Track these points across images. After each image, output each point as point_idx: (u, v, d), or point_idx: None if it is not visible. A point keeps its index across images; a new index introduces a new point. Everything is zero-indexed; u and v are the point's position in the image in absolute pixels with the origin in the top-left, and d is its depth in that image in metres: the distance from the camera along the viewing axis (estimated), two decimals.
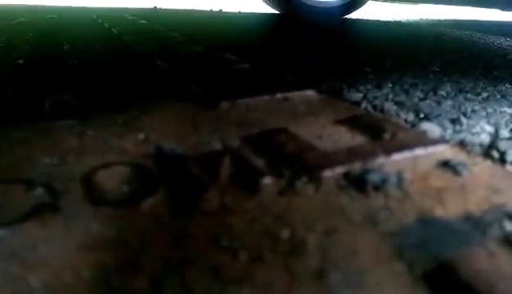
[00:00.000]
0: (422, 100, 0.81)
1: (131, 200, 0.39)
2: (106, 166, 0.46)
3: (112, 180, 0.43)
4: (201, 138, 0.56)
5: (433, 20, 3.16)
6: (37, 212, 0.36)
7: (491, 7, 2.42)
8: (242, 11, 2.68)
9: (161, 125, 0.60)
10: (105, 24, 1.79)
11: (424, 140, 0.54)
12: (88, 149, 0.51)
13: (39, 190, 0.41)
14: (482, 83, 0.98)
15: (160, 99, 0.73)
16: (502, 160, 0.53)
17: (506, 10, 2.34)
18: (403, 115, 0.71)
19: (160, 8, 2.57)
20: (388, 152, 0.49)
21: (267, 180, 0.43)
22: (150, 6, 2.73)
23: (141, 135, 0.56)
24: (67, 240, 0.33)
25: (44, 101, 0.68)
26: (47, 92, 0.74)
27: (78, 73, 0.90)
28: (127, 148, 0.52)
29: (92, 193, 0.40)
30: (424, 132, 0.62)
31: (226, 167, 0.46)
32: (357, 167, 0.47)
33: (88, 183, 0.42)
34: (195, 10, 2.65)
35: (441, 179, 0.45)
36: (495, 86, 0.96)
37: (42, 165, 0.47)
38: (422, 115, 0.71)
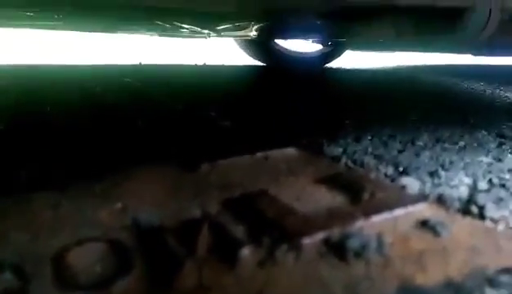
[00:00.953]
0: (400, 152, 0.82)
1: (103, 282, 0.37)
2: (79, 243, 0.44)
3: (84, 259, 0.41)
4: (180, 204, 0.55)
5: (410, 66, 3.29)
6: None
7: (463, 53, 2.55)
8: (226, 64, 2.76)
9: (140, 192, 0.59)
10: (89, 83, 1.81)
11: (403, 199, 0.54)
12: (63, 224, 0.50)
13: (7, 274, 0.39)
14: (459, 131, 1.01)
15: (140, 163, 0.72)
16: (481, 215, 0.53)
17: (478, 55, 2.47)
18: (383, 169, 0.72)
19: (145, 64, 2.63)
20: (368, 214, 0.49)
21: (246, 251, 0.43)
22: (136, 62, 2.78)
23: (119, 205, 0.55)
24: None
25: (21, 170, 0.67)
26: (26, 160, 0.73)
27: (59, 137, 0.90)
28: (103, 220, 0.51)
29: (63, 276, 0.38)
30: (403, 188, 0.62)
31: (203, 239, 0.45)
32: (336, 231, 0.46)
33: (59, 264, 0.40)
34: (179, 65, 2.71)
35: (421, 241, 0.45)
36: (471, 134, 0.98)
37: (14, 243, 0.45)
38: (401, 168, 0.72)
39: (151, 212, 0.52)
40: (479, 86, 1.94)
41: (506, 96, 1.66)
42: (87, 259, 0.41)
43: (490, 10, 1.10)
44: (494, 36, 1.50)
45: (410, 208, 0.52)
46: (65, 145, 0.84)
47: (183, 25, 1.76)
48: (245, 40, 2.58)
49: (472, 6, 0.96)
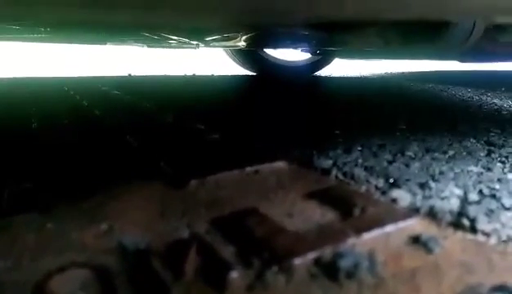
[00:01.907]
0: (390, 163, 0.82)
1: None
2: (63, 269, 0.43)
3: (68, 286, 0.40)
4: (168, 224, 0.54)
5: (397, 73, 3.32)
6: None
7: (450, 60, 2.60)
8: (215, 74, 2.76)
9: (127, 211, 0.58)
10: (77, 97, 1.79)
11: (395, 214, 0.54)
12: (46, 248, 0.48)
13: None
14: (447, 140, 1.01)
15: (128, 180, 0.71)
16: (473, 228, 0.53)
17: (464, 61, 2.52)
18: (373, 181, 0.71)
19: (134, 76, 2.62)
20: (359, 231, 0.48)
21: (235, 274, 0.41)
22: (125, 73, 2.77)
23: (105, 226, 0.53)
24: None
25: (3, 192, 0.65)
26: (8, 180, 0.71)
27: (44, 155, 0.88)
28: (87, 242, 0.49)
29: None
30: (394, 201, 0.62)
31: (191, 262, 0.43)
32: (328, 250, 0.45)
33: (42, 292, 0.39)
34: (168, 76, 2.70)
35: (413, 258, 0.44)
36: (460, 143, 0.99)
37: None
38: (392, 180, 0.71)
39: (138, 234, 0.51)
40: (466, 93, 1.96)
41: (493, 103, 1.68)
42: (70, 286, 0.40)
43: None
44: (480, 43, 1.52)
45: (402, 223, 0.51)
46: (50, 162, 0.82)
47: (171, 37, 1.75)
48: (235, 49, 2.58)
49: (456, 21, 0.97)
